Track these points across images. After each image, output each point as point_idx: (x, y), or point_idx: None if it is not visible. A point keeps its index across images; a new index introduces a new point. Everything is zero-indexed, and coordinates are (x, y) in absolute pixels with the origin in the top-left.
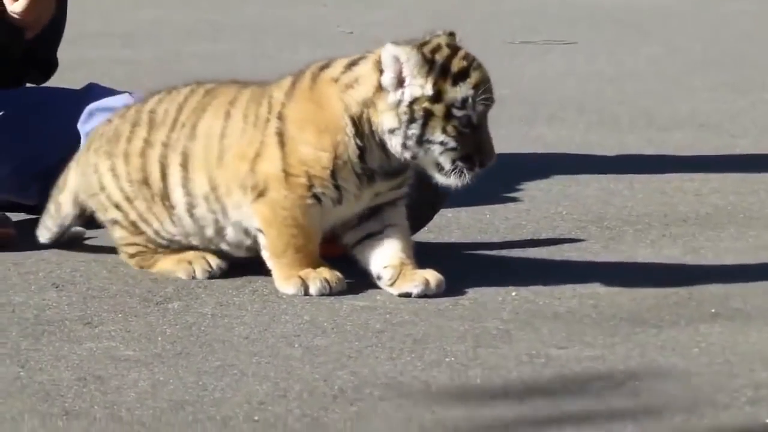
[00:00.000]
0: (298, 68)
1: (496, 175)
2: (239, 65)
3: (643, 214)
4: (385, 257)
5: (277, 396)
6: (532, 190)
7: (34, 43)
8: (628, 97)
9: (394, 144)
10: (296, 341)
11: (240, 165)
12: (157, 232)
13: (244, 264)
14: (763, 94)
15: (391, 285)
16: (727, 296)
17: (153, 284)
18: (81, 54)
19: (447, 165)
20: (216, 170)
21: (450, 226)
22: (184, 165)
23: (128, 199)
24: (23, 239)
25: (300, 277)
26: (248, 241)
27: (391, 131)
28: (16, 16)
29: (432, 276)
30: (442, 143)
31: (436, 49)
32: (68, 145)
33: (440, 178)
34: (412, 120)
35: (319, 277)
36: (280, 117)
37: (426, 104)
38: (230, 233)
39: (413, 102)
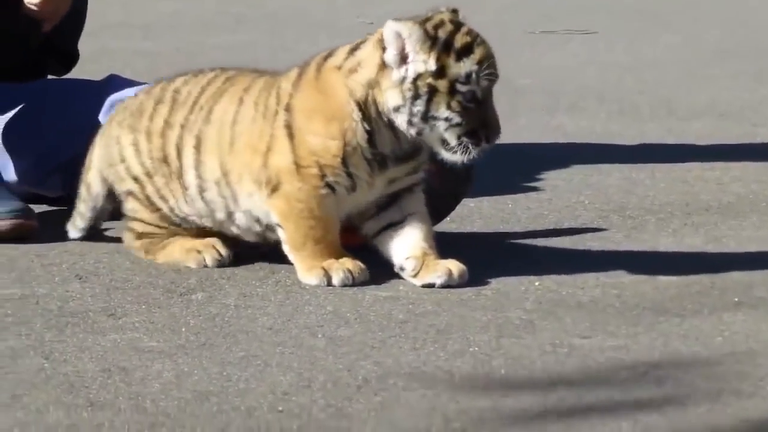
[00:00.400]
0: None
1: (518, 165)
2: (259, 56)
3: (664, 203)
4: (406, 248)
5: (301, 386)
6: (553, 179)
7: (53, 35)
8: (648, 86)
9: (400, 122)
10: (319, 332)
11: (252, 158)
12: (172, 209)
13: (267, 255)
14: None
15: (414, 276)
16: (750, 285)
17: (176, 275)
18: (101, 45)
19: (452, 141)
20: (227, 156)
21: (472, 215)
22: (198, 148)
23: (148, 174)
24: (46, 231)
25: (322, 268)
26: (258, 228)
27: (396, 109)
28: (33, 7)
29: (455, 266)
30: (446, 119)
31: (439, 24)
32: (89, 136)
33: (446, 155)
34: (416, 96)
35: (342, 267)
36: (288, 108)
37: (430, 80)
38: (240, 219)
39: (417, 78)
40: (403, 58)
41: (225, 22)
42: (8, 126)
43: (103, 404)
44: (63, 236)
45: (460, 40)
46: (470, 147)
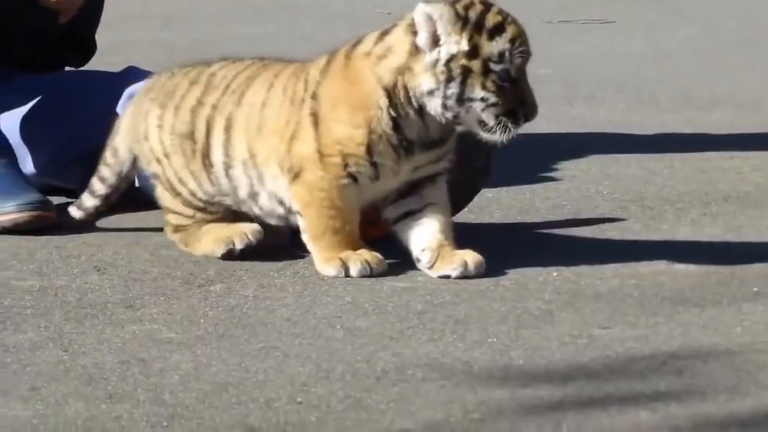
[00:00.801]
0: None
1: (536, 156)
2: (277, 47)
3: (683, 193)
4: (423, 239)
5: (320, 377)
6: (572, 169)
7: (71, 27)
8: (667, 76)
9: (434, 105)
10: (338, 323)
11: (278, 144)
12: (192, 193)
13: (285, 246)
14: None
15: (430, 268)
16: None
17: (194, 267)
18: (119, 37)
19: (491, 121)
20: (255, 139)
21: (490, 206)
22: (228, 129)
23: (166, 155)
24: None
25: (340, 259)
26: (282, 210)
27: (430, 92)
28: None
29: (471, 257)
30: (483, 99)
31: (469, 5)
32: (108, 128)
33: (486, 135)
34: (450, 79)
35: (360, 258)
36: (314, 96)
37: (463, 61)
38: (264, 200)
39: (450, 60)
40: (435, 41)
41: (243, 12)
42: (27, 118)
43: (122, 396)
44: (81, 228)
45: (491, 20)
46: (509, 126)
